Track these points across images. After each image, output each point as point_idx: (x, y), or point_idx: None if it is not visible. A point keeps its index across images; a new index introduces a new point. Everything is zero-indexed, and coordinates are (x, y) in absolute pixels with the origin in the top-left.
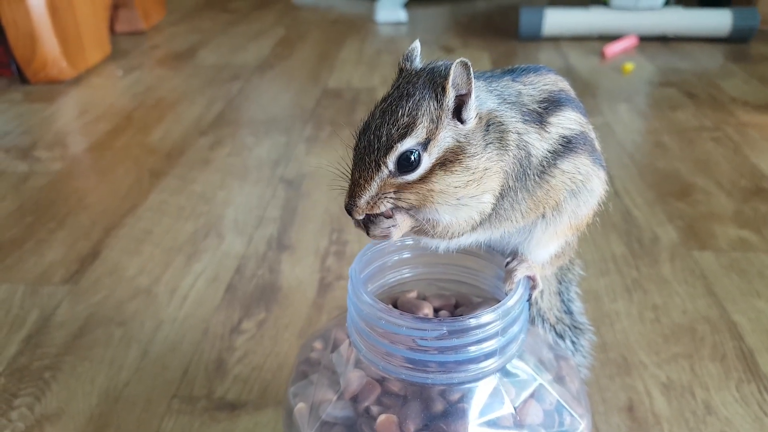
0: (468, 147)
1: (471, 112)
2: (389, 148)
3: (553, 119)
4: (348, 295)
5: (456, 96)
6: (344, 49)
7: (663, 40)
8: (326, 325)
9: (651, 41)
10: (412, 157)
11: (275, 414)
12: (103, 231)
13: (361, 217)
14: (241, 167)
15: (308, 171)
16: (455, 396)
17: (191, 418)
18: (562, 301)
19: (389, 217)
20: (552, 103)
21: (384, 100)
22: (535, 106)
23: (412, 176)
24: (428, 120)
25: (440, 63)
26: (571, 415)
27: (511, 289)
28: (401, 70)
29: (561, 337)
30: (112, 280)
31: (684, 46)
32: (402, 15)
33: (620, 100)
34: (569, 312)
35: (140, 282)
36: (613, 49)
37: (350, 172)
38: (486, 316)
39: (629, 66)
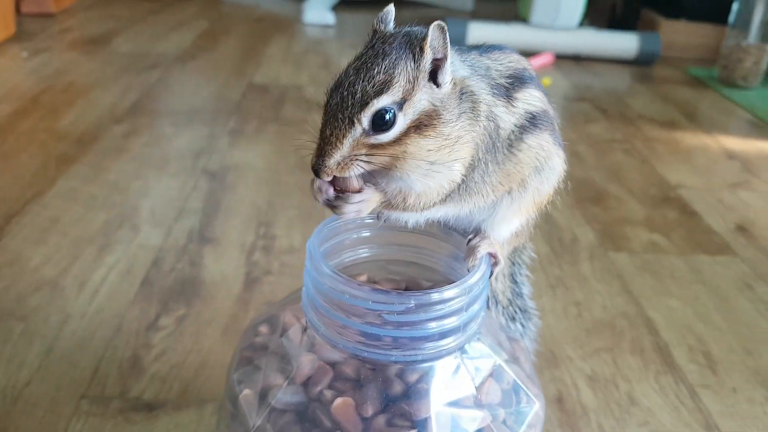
0: (443, 112)
1: (447, 76)
2: (364, 105)
3: (518, 95)
4: (305, 270)
5: (432, 59)
6: (271, 46)
7: (576, 59)
8: (271, 309)
9: (566, 59)
10: (387, 116)
11: (197, 414)
12: (2, 218)
13: (328, 179)
14: (159, 157)
15: (233, 163)
16: (413, 376)
17: (103, 420)
18: (515, 282)
19: (357, 191)
20: (517, 80)
21: (357, 58)
22: (503, 80)
23: (386, 136)
24: (405, 80)
25: (415, 27)
26: (527, 395)
27: (473, 266)
28: (375, 32)
29: (512, 319)
30: (13, 271)
31: (595, 66)
32: (330, 18)
33: None
34: (520, 295)
35: (45, 273)
36: (532, 64)
37: (319, 130)
38: (452, 291)
39: (546, 81)
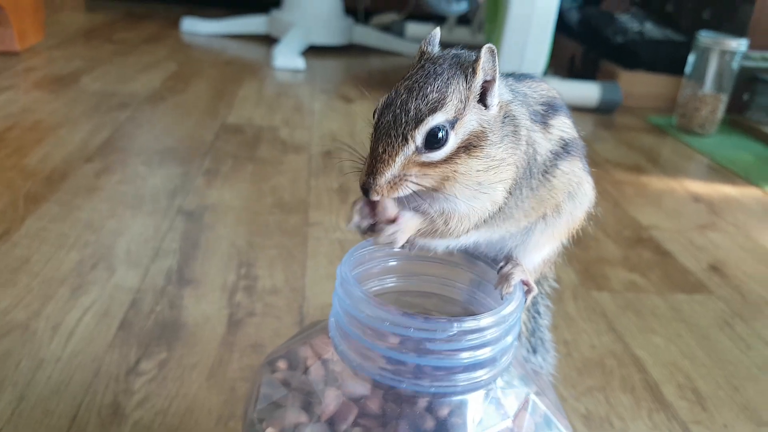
0: (489, 134)
1: (495, 99)
2: (419, 122)
3: (553, 122)
4: (336, 296)
5: (482, 81)
6: (242, 88)
7: None
8: (287, 345)
9: None
10: (441, 134)
11: None
12: None
13: (378, 198)
14: (133, 196)
15: (210, 203)
16: (444, 410)
17: None
18: (538, 313)
19: (392, 221)
20: (551, 107)
21: (407, 78)
22: (539, 107)
23: (438, 155)
24: (457, 99)
25: (462, 50)
26: (558, 428)
27: (508, 293)
28: (423, 53)
29: (534, 351)
30: None
31: None
32: (300, 63)
33: None
34: (540, 326)
35: (15, 316)
36: None
37: (370, 149)
38: (488, 319)
39: None
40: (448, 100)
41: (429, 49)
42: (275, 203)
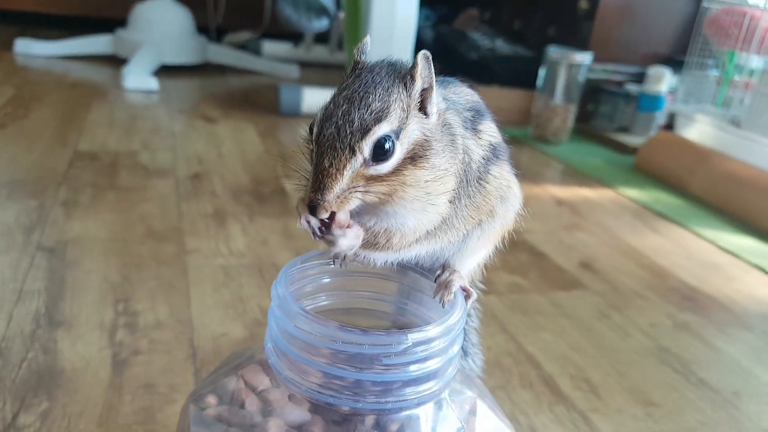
0: (433, 143)
1: (434, 107)
2: (365, 132)
3: (481, 127)
4: (274, 318)
5: (421, 89)
6: (92, 112)
7: None
8: (212, 379)
9: None
10: (387, 144)
11: None
12: None
13: (325, 216)
14: None
15: (72, 237)
16: (394, 426)
17: None
18: (468, 315)
19: (343, 227)
20: (477, 112)
21: (344, 88)
22: (467, 113)
23: (385, 167)
24: (400, 108)
25: (395, 58)
26: (504, 430)
27: (449, 301)
28: (356, 62)
29: (465, 354)
30: None
31: None
32: (153, 83)
33: None
34: (471, 328)
35: None
36: None
37: (313, 164)
38: (436, 329)
39: None
40: (391, 109)
41: (363, 59)
42: (146, 232)
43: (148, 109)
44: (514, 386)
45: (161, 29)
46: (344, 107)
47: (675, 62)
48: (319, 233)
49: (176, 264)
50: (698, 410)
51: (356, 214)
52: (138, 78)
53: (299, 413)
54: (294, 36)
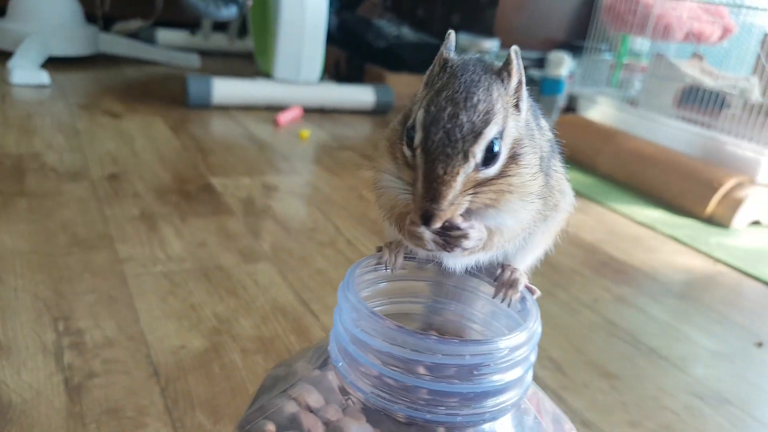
0: (525, 140)
1: (525, 103)
2: (477, 136)
3: (541, 122)
4: (354, 335)
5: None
6: None
7: (321, 111)
8: (258, 405)
9: (313, 112)
10: (496, 147)
11: None
12: None
13: (439, 225)
14: None
15: None
16: None
17: None
18: None
19: (460, 229)
20: (533, 109)
21: (442, 89)
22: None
23: (492, 169)
24: (502, 107)
25: (478, 56)
26: (565, 420)
27: (516, 299)
28: (446, 60)
29: None
30: None
31: (341, 117)
32: (43, 77)
33: (310, 162)
34: None
35: None
36: (284, 117)
37: (423, 171)
38: (520, 337)
39: (305, 133)
40: (495, 109)
41: (451, 56)
42: (70, 241)
43: (44, 106)
44: None
45: (46, 18)
46: (449, 110)
47: (573, 47)
48: (440, 241)
49: (112, 274)
50: (652, 378)
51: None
52: (26, 72)
53: (363, 429)
54: (189, 24)
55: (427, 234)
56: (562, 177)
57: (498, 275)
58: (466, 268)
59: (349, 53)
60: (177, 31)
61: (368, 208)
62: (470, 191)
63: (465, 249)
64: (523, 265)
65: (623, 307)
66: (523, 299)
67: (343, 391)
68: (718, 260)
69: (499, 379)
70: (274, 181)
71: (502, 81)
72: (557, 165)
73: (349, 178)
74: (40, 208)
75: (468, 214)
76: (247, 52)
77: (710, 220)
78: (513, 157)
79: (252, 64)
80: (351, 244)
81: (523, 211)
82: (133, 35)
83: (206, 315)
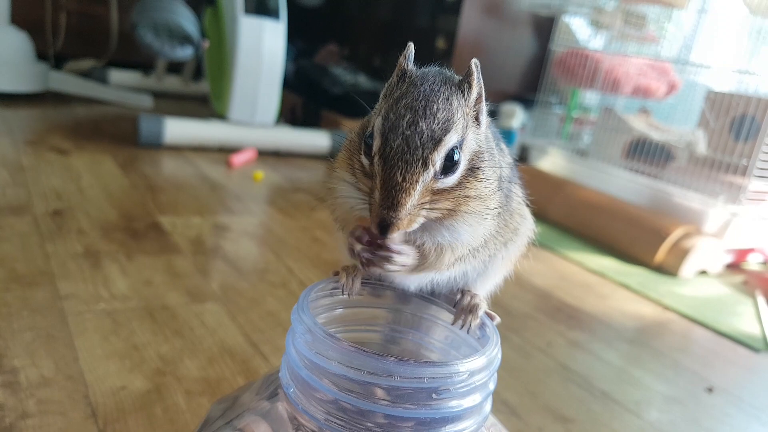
0: (484, 153)
1: (484, 116)
2: (437, 143)
3: (502, 145)
4: (308, 360)
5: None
6: None
7: (276, 154)
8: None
9: (267, 155)
10: (456, 156)
11: None
12: None
13: (394, 235)
14: None
15: None
16: None
17: None
18: None
19: (393, 253)
20: (495, 133)
21: (401, 97)
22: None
23: (451, 179)
24: (461, 117)
25: (438, 68)
26: None
27: (476, 325)
28: (404, 71)
29: None
30: None
31: (295, 160)
32: None
33: (264, 203)
34: None
35: None
36: (238, 159)
37: (381, 177)
38: (479, 361)
39: (259, 174)
40: (455, 118)
41: (409, 66)
42: (9, 276)
43: None
44: None
45: None
46: (408, 117)
47: (524, 100)
48: (371, 255)
49: (52, 312)
50: (607, 422)
51: (411, 233)
52: None
53: None
54: (143, 65)
55: (357, 247)
56: (521, 202)
57: (457, 300)
58: (422, 291)
59: (306, 99)
60: (130, 72)
61: (322, 249)
62: (428, 202)
63: (388, 270)
64: (483, 291)
65: (577, 351)
66: (482, 326)
67: (294, 421)
68: (667, 307)
69: (457, 404)
70: (226, 221)
71: (463, 93)
72: (517, 189)
73: (303, 219)
74: None
75: (421, 228)
76: (202, 95)
77: (659, 269)
78: (472, 170)
79: (206, 106)
80: (304, 285)
81: (478, 226)
82: (86, 74)
83: (150, 355)
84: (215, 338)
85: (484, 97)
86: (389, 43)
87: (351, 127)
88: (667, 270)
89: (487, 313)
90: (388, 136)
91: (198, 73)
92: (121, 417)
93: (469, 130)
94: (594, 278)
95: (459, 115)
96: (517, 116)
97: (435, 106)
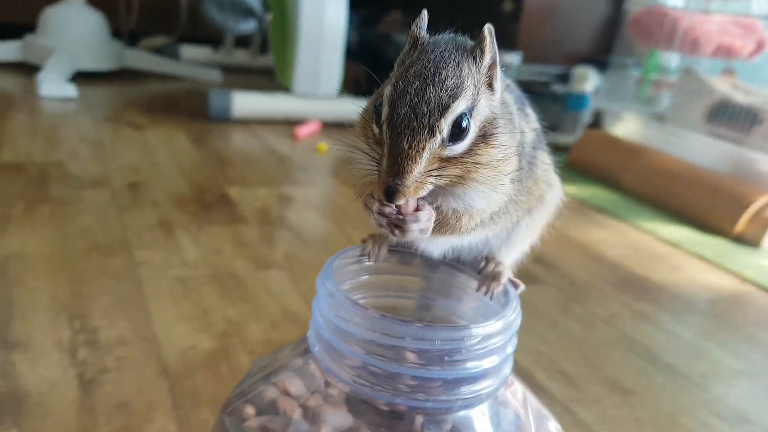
0: (499, 120)
1: (499, 82)
2: (444, 110)
3: (528, 110)
4: (329, 321)
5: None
6: (10, 121)
7: (340, 125)
8: (243, 389)
9: (332, 126)
10: (464, 123)
11: None
12: None
13: (403, 202)
14: None
15: (11, 254)
16: (446, 426)
17: None
18: None
19: (416, 210)
20: (520, 98)
21: (411, 65)
22: (516, 95)
23: (461, 146)
24: (472, 84)
25: (452, 35)
26: (548, 418)
27: (498, 293)
28: (416, 38)
29: None
30: None
31: None
32: (71, 90)
33: (327, 175)
34: None
35: None
36: (303, 131)
37: (388, 145)
38: (497, 325)
39: (323, 146)
40: (465, 85)
41: (422, 34)
42: (90, 246)
43: (70, 118)
44: None
45: (74, 34)
46: (417, 84)
47: (598, 62)
48: (393, 221)
49: (128, 277)
50: (671, 395)
51: (426, 199)
52: (54, 85)
53: (342, 418)
54: (212, 40)
55: (375, 206)
56: (549, 168)
57: (481, 268)
58: (444, 256)
59: (369, 69)
60: (200, 47)
61: None
62: (436, 169)
63: (411, 237)
64: (508, 259)
65: (643, 323)
66: (506, 292)
67: (325, 380)
68: (746, 279)
69: (474, 366)
70: (291, 192)
71: (474, 59)
72: (544, 156)
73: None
74: (62, 214)
75: (435, 193)
76: (269, 68)
77: (739, 239)
78: (484, 136)
79: (273, 79)
80: None
81: (492, 192)
82: (157, 51)
83: (217, 318)
84: (279, 303)
85: (498, 63)
86: (454, 9)
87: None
88: (748, 240)
89: (511, 280)
90: (396, 104)
91: (264, 47)
92: (189, 374)
93: (481, 96)
94: (667, 249)
95: (469, 82)
96: (590, 79)
97: (444, 73)
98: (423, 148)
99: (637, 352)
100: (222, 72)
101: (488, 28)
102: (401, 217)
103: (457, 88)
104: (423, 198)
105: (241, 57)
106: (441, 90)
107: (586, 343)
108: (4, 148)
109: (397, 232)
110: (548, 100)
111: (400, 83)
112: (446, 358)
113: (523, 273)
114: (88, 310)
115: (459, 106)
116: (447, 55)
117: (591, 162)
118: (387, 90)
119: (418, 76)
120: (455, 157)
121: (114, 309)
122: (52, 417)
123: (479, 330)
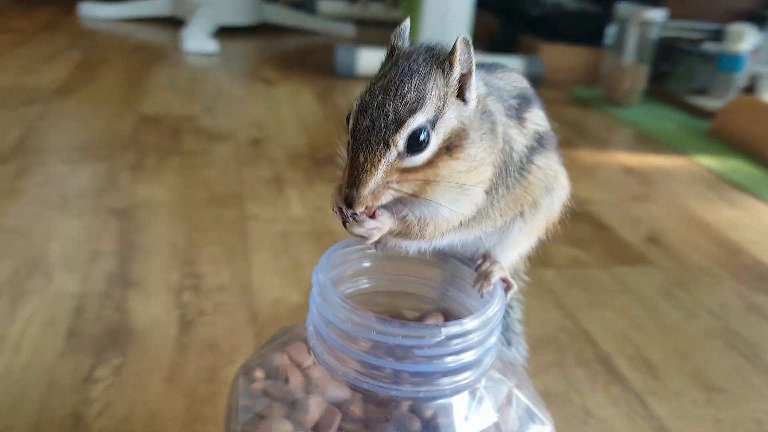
0: (470, 131)
1: (473, 93)
2: (399, 125)
3: (527, 115)
4: (316, 306)
5: (460, 74)
6: (155, 75)
7: None
8: (261, 353)
9: None
10: (422, 136)
11: None
12: None
13: (361, 210)
14: (58, 197)
15: (140, 200)
16: (428, 412)
17: None
18: (511, 307)
19: (372, 217)
20: (524, 100)
21: (381, 77)
22: (512, 101)
23: (420, 158)
24: (436, 96)
25: (434, 42)
26: (540, 419)
27: (487, 291)
28: (393, 48)
29: (509, 344)
30: None
31: None
32: (212, 45)
33: None
34: (514, 320)
35: None
36: None
37: (348, 158)
38: (473, 322)
39: None
40: (427, 98)
41: (400, 44)
42: (209, 197)
43: (209, 72)
44: (569, 363)
45: None
46: (379, 98)
47: (758, 18)
48: (350, 221)
49: (237, 229)
50: (765, 398)
51: (391, 206)
52: (197, 40)
53: (340, 391)
54: None
55: (336, 202)
56: (551, 174)
57: (477, 265)
58: (428, 254)
59: (504, 22)
60: (337, 1)
61: None
62: (395, 180)
63: (353, 231)
64: (505, 259)
65: (754, 317)
66: (493, 292)
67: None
68: None
69: (441, 360)
70: None
71: (443, 72)
72: (545, 161)
73: None
74: (189, 166)
75: (404, 201)
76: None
77: None
78: (448, 148)
79: None
80: None
81: (456, 202)
82: (297, 5)
83: (308, 275)
84: None
85: (474, 73)
86: None
87: None
88: None
89: (504, 280)
90: (359, 118)
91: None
92: (275, 323)
93: (448, 108)
94: None
95: (432, 95)
96: (747, 38)
97: (407, 87)
98: (378, 162)
99: (738, 349)
100: (356, 26)
101: (463, 38)
102: (358, 222)
103: (418, 101)
104: (388, 205)
105: (376, 10)
106: (400, 104)
107: (683, 333)
108: (147, 100)
109: (347, 226)
110: (697, 60)
111: (367, 96)
112: (410, 352)
113: (631, 253)
114: (197, 257)
115: (416, 120)
116: (415, 68)
117: (737, 131)
118: (356, 102)
119: (382, 90)
120: (415, 168)
121: (220, 258)
122: (152, 350)
123: (447, 330)
